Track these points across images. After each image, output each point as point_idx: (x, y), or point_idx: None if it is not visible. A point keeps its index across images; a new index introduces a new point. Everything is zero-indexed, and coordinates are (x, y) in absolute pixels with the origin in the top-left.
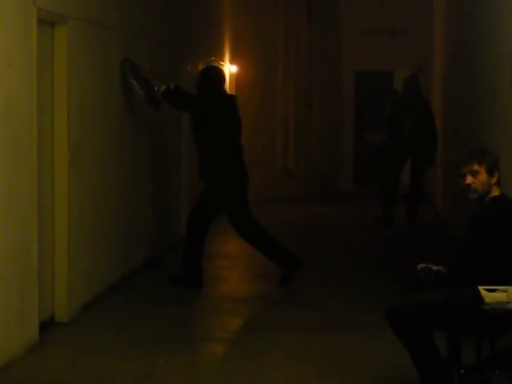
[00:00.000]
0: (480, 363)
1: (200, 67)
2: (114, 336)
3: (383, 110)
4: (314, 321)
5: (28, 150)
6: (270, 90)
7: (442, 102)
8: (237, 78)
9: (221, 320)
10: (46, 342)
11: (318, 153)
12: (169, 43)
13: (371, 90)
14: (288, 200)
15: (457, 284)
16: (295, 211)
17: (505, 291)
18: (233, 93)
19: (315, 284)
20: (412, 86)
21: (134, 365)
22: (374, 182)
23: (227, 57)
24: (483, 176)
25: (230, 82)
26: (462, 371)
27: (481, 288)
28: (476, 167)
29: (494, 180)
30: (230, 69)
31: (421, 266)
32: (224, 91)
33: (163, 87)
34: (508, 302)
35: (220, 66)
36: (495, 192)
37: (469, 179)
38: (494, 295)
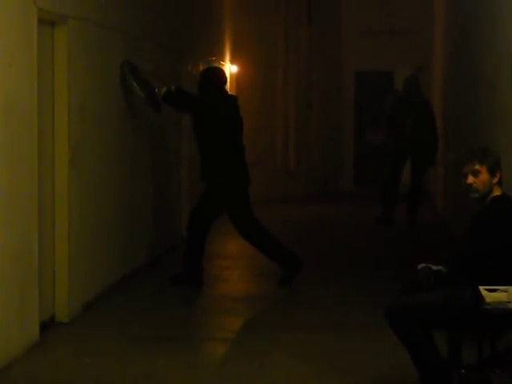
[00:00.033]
0: (480, 363)
1: (201, 67)
2: (114, 336)
3: (384, 110)
4: (314, 321)
5: (28, 150)
6: (270, 90)
7: (442, 101)
8: (237, 78)
9: (221, 320)
10: (46, 341)
11: (318, 153)
12: (169, 43)
13: (371, 89)
14: (288, 200)
15: (457, 284)
16: (295, 211)
17: (505, 291)
18: (233, 93)
19: (315, 284)
20: (412, 85)
21: (135, 365)
22: (374, 182)
23: (227, 57)
24: (484, 176)
25: (230, 82)
26: (463, 371)
27: (481, 288)
28: (477, 167)
29: (495, 180)
30: (230, 69)
31: (421, 265)
32: (225, 92)
33: (164, 89)
34: (509, 302)
35: (221, 67)
36: (497, 192)
37: (470, 179)
38: (494, 295)
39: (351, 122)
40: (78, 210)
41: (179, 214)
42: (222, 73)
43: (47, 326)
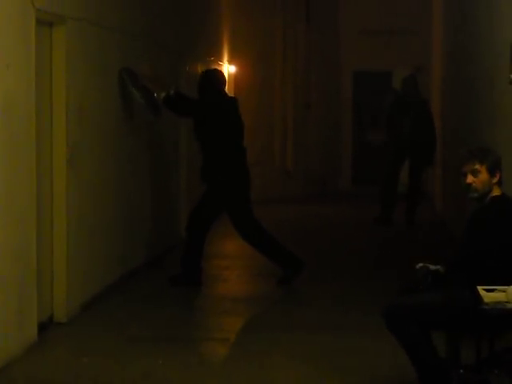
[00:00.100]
0: (479, 363)
1: (199, 68)
2: (112, 336)
3: (383, 110)
4: (313, 321)
5: (26, 150)
6: (269, 90)
7: (440, 101)
8: (235, 78)
9: (220, 320)
10: (44, 342)
11: (317, 153)
12: (168, 43)
13: (370, 90)
14: (286, 200)
15: (454, 284)
16: (294, 211)
17: (504, 291)
18: (231, 93)
19: (314, 284)
20: (410, 86)
21: (133, 365)
22: (373, 182)
23: (226, 57)
24: (484, 175)
25: (228, 82)
26: (461, 371)
27: (480, 288)
28: (477, 166)
29: (495, 180)
30: (228, 69)
31: (419, 265)
32: (225, 93)
33: (163, 94)
34: (507, 302)
35: (220, 68)
36: (496, 192)
37: (469, 178)
38: (492, 295)
39: (349, 122)
40: (76, 210)
41: (178, 214)
42: (221, 74)
43: (45, 326)
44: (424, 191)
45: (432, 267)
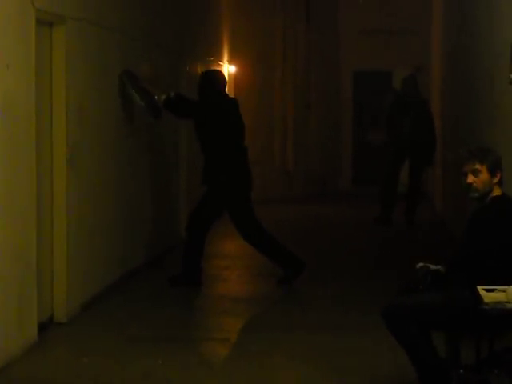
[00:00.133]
0: (479, 363)
1: (199, 69)
2: (112, 336)
3: (383, 110)
4: (313, 321)
5: (26, 151)
6: (269, 90)
7: (440, 101)
8: (235, 79)
9: (220, 320)
10: (44, 342)
11: (317, 153)
12: (168, 43)
13: (370, 89)
14: (286, 200)
15: (455, 284)
16: (294, 211)
17: (503, 291)
18: (231, 93)
19: (314, 284)
20: (410, 85)
21: (133, 365)
22: (373, 182)
23: (225, 57)
24: (485, 175)
25: (228, 83)
26: (461, 371)
27: (479, 288)
28: (477, 166)
29: (495, 180)
30: (228, 69)
31: (419, 264)
32: (225, 94)
33: (163, 96)
34: (507, 302)
35: (220, 69)
36: (497, 192)
37: (470, 178)
38: (492, 295)
39: (349, 122)
40: (76, 210)
41: (178, 215)
42: (221, 75)
43: (45, 326)
44: (424, 191)
45: (432, 267)
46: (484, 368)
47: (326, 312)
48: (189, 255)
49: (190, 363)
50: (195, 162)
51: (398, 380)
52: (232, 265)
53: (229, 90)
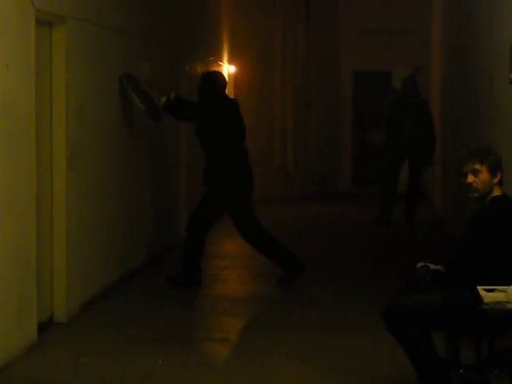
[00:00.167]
0: (479, 363)
1: (199, 68)
2: (112, 336)
3: (383, 110)
4: (313, 321)
5: (26, 151)
6: (268, 90)
7: (440, 101)
8: (235, 79)
9: (220, 320)
10: (44, 342)
11: (317, 153)
12: (168, 43)
13: (369, 90)
14: (286, 200)
15: (454, 284)
16: (293, 211)
17: (503, 291)
18: (231, 93)
19: (314, 284)
20: (410, 86)
21: (133, 365)
22: (373, 182)
23: (225, 57)
24: (485, 175)
25: (228, 83)
26: (461, 371)
27: (479, 288)
28: (477, 166)
29: (495, 180)
30: (228, 69)
31: (420, 264)
32: (226, 95)
33: (163, 99)
34: (507, 302)
35: (220, 70)
36: (497, 192)
37: (470, 178)
38: (492, 295)
39: (349, 122)
40: (76, 210)
41: (178, 215)
42: (221, 76)
43: (45, 326)
44: (424, 191)
45: (432, 266)
46: (484, 368)
47: (326, 312)
48: (189, 255)
49: (189, 363)
50: (195, 162)
51: (398, 380)
52: (232, 265)
53: (228, 90)
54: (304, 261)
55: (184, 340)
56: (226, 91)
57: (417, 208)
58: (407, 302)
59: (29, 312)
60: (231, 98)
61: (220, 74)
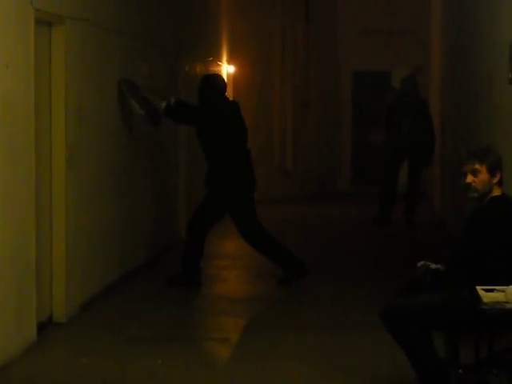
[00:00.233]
0: (478, 363)
1: (198, 68)
2: (112, 336)
3: (383, 110)
4: (313, 321)
5: (25, 151)
6: (268, 90)
7: (439, 101)
8: (234, 79)
9: (219, 320)
10: (43, 342)
11: (316, 153)
12: (166, 43)
13: (369, 89)
14: (285, 200)
15: (453, 284)
16: (292, 211)
17: (502, 291)
18: (231, 93)
19: (313, 284)
20: (410, 86)
21: (133, 365)
22: (372, 182)
23: (225, 57)
24: (484, 175)
25: (227, 83)
26: (460, 371)
27: (478, 288)
28: (477, 166)
29: (495, 180)
30: (227, 69)
31: (420, 263)
32: (226, 97)
33: (163, 104)
34: (506, 302)
35: (220, 72)
36: (496, 192)
37: (469, 178)
38: (491, 295)
39: (348, 122)
40: (75, 210)
41: (177, 215)
42: (221, 79)
43: (45, 326)
44: (423, 191)
45: (432, 266)
46: (483, 368)
47: (326, 312)
48: (188, 255)
49: (189, 363)
50: (195, 162)
51: (398, 380)
52: (231, 265)
53: (228, 90)
54: (304, 262)
55: (184, 340)
56: (226, 93)
57: (416, 208)
58: (406, 303)
59: (28, 312)
60: (231, 100)
61: (220, 77)
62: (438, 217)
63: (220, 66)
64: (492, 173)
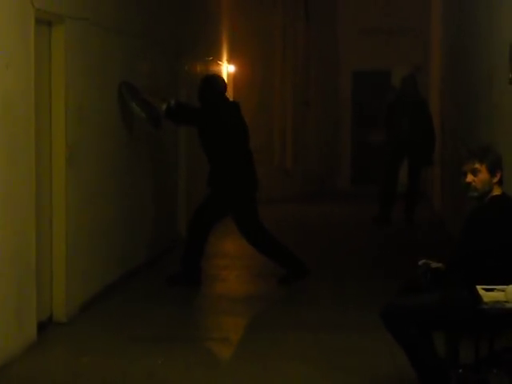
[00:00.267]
0: (478, 362)
1: (198, 67)
2: (112, 336)
3: (383, 109)
4: (313, 320)
5: (26, 150)
6: (268, 89)
7: (439, 101)
8: (234, 78)
9: (219, 320)
10: (44, 342)
11: (316, 152)
12: (167, 43)
13: (369, 89)
14: (285, 199)
15: (453, 283)
16: (292, 210)
17: (503, 290)
18: (231, 93)
19: (313, 283)
20: (409, 85)
21: (133, 365)
22: (372, 181)
23: (225, 56)
24: (484, 175)
25: (227, 82)
26: (460, 370)
27: (479, 287)
28: (477, 166)
29: (495, 179)
30: (227, 68)
31: (421, 261)
32: (226, 98)
33: (164, 106)
34: (506, 302)
35: (220, 73)
36: (496, 191)
37: (469, 177)
38: (491, 294)
39: (348, 121)
40: (75, 209)
41: (177, 215)
42: (221, 80)
43: (45, 326)
44: (423, 191)
45: (433, 265)
46: (483, 367)
47: (326, 311)
48: (189, 255)
49: (189, 363)
50: (195, 161)
51: (398, 379)
52: (231, 264)
53: (228, 89)
54: (305, 263)
55: (184, 340)
56: (226, 94)
57: (416, 208)
58: (406, 303)
59: (28, 312)
60: (232, 101)
61: (220, 77)
62: (438, 216)
63: (220, 65)
64: (492, 172)
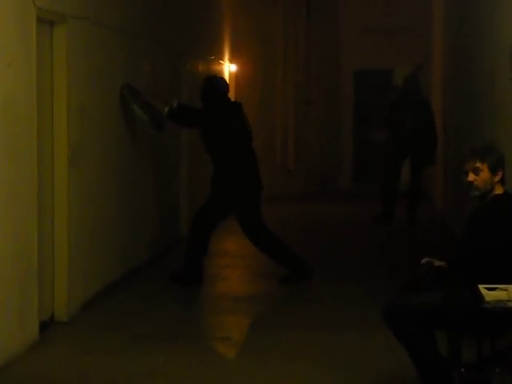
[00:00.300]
0: (480, 361)
1: (200, 67)
2: (114, 335)
3: (385, 108)
4: (314, 319)
5: (28, 150)
6: (270, 87)
7: (441, 99)
8: (236, 77)
9: (221, 318)
10: (46, 341)
11: (318, 151)
12: (169, 42)
13: (370, 88)
14: (287, 198)
15: (455, 283)
16: (294, 209)
17: (505, 290)
18: (233, 92)
19: (315, 282)
20: (412, 84)
21: (135, 363)
22: (373, 180)
23: (227, 55)
24: (485, 174)
25: (229, 81)
26: (463, 369)
27: (481, 286)
28: (478, 165)
29: (497, 178)
30: (229, 67)
31: (424, 260)
32: (228, 99)
33: (166, 108)
34: (508, 301)
35: (222, 74)
36: (498, 190)
37: (471, 176)
38: (494, 294)
39: (350, 119)
40: (77, 208)
41: (179, 213)
42: (223, 81)
43: (47, 325)
44: (425, 189)
45: (436, 263)
46: (485, 366)
47: (327, 310)
48: (191, 253)
49: (191, 361)
50: (196, 161)
51: (399, 378)
52: (233, 263)
53: (230, 89)
54: (307, 262)
55: (186, 338)
56: (229, 94)
57: (418, 206)
58: (408, 301)
59: (30, 311)
60: (234, 102)
61: (221, 79)
62: (440, 215)
63: (222, 64)
64: (493, 171)
